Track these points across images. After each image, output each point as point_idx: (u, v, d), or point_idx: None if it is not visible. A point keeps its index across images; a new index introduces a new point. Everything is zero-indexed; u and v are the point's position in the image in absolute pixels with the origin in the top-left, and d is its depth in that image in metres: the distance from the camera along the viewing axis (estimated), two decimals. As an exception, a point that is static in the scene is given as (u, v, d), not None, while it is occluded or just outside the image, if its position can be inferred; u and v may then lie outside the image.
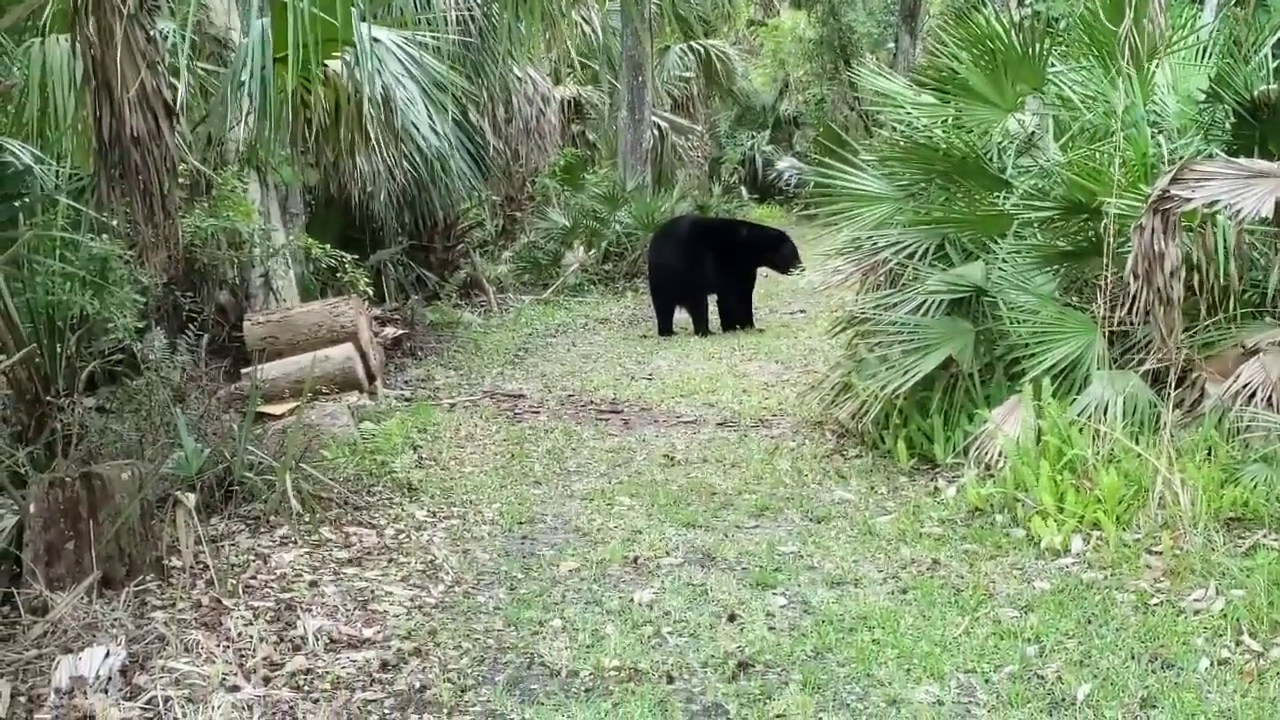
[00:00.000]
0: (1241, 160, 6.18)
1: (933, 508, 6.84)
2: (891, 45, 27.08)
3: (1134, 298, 6.24)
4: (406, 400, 9.88)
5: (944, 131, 8.55)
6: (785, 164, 30.96)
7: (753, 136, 32.00)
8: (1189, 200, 5.90)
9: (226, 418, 7.57)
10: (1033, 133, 8.47)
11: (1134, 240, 6.15)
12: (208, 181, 8.54)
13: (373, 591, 5.63)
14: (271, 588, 5.55)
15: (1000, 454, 7.10)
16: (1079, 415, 6.96)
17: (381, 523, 6.58)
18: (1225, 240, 6.70)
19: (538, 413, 9.68)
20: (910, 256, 8.28)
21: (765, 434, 8.77)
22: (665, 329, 13.63)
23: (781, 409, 9.55)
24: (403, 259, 14.59)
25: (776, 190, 30.41)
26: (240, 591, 5.44)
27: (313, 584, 5.65)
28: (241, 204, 8.64)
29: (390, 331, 12.22)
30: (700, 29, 24.64)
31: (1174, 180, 5.99)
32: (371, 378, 9.33)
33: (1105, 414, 6.92)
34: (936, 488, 7.23)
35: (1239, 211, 5.81)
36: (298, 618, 5.17)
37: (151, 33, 5.07)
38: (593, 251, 17.78)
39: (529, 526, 6.68)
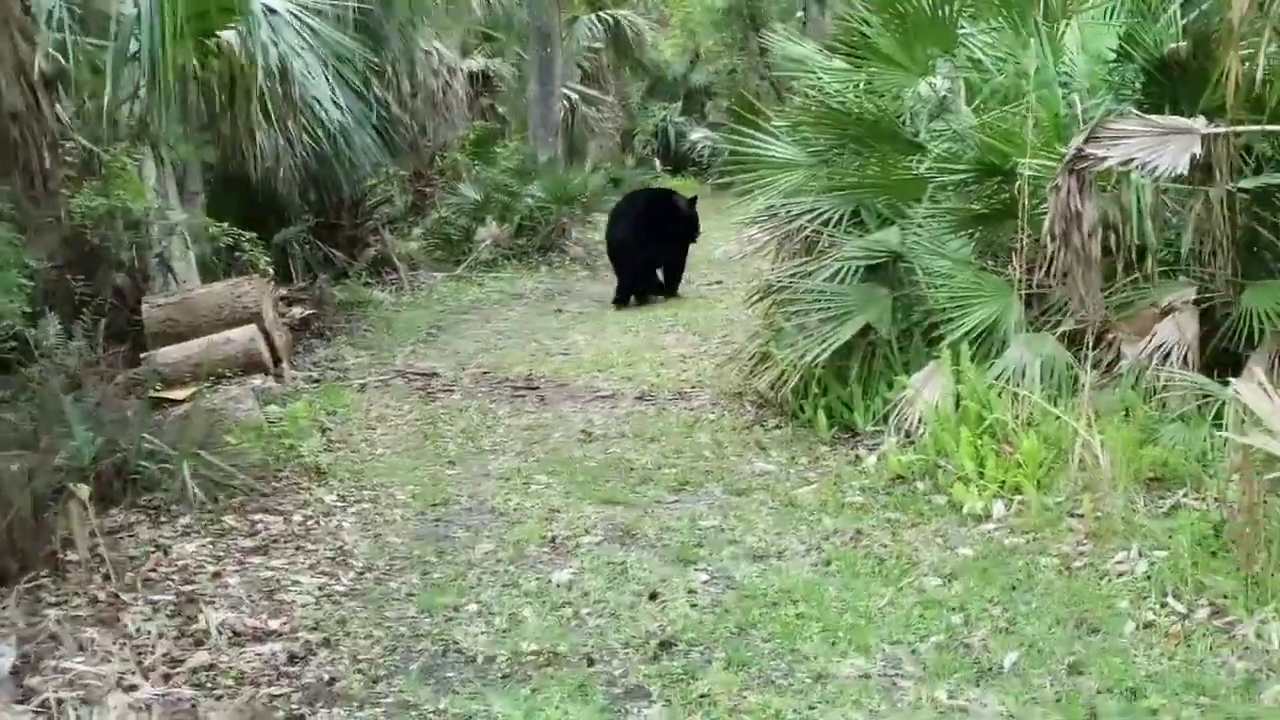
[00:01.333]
0: (1155, 118, 6.11)
1: (854, 477, 6.75)
2: (800, 14, 26.94)
3: (1051, 259, 6.17)
4: (315, 381, 9.63)
5: (856, 96, 8.43)
6: (698, 135, 30.74)
7: (665, 108, 31.77)
8: (1104, 159, 5.82)
9: (126, 404, 7.30)
10: (944, 96, 8.38)
11: (1050, 201, 6.07)
12: (99, 159, 8.21)
13: (279, 581, 5.41)
14: (172, 580, 5.31)
15: (920, 420, 7.03)
16: (997, 379, 6.90)
17: (288, 509, 6.35)
18: (1140, 199, 6.65)
19: (452, 391, 9.47)
20: (825, 223, 8.18)
21: (684, 406, 8.64)
22: (623, 300, 13.72)
23: (700, 381, 9.42)
24: (309, 237, 14.26)
25: (690, 161, 30.20)
26: (139, 585, 5.19)
27: (216, 575, 5.42)
28: (133, 182, 8.33)
29: (298, 312, 11.92)
30: (609, -1, 24.46)
31: (1089, 139, 5.91)
32: (278, 359, 9.07)
33: (1024, 377, 6.87)
34: (858, 456, 7.14)
35: (1154, 169, 5.73)
36: (200, 611, 4.95)
37: (29, 2, 4.82)
38: (505, 226, 17.50)
39: (443, 508, 6.49)
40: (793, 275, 8.19)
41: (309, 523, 6.19)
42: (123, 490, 6.15)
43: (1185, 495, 5.87)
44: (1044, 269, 6.36)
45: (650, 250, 13.67)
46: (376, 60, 13.21)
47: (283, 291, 12.11)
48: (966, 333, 7.19)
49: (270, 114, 7.75)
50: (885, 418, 7.32)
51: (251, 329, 8.61)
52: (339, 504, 6.52)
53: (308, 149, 10.41)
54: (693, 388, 9.24)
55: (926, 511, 6.13)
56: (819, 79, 8.74)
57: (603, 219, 18.71)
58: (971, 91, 8.19)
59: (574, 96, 21.80)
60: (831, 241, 8.10)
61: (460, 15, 16.02)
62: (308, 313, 12.04)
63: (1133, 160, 5.80)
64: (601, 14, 24.15)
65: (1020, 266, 6.84)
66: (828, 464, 7.10)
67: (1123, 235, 6.34)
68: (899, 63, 8.02)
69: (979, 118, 7.93)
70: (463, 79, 15.32)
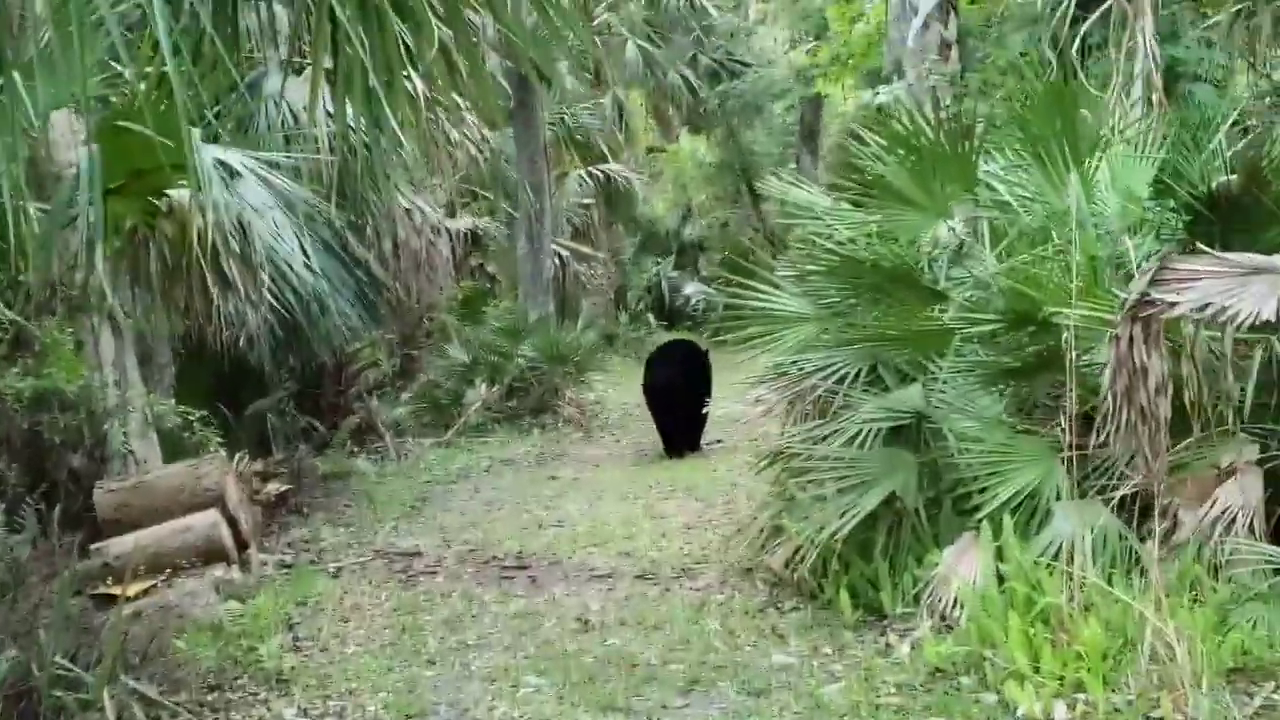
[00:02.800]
0: (1232, 255, 5.38)
1: (887, 670, 5.92)
2: (793, 165, 26.69)
3: (1111, 419, 5.42)
4: (287, 567, 8.82)
5: (869, 241, 7.77)
6: (692, 289, 30.32)
7: (657, 263, 31.38)
8: (1174, 304, 5.10)
9: (74, 603, 6.49)
10: (962, 241, 7.75)
11: (1110, 353, 5.34)
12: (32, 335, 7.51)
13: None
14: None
15: (956, 602, 6.24)
16: (1042, 555, 6.13)
17: (240, 731, 5.53)
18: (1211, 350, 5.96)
19: (435, 573, 8.66)
20: (840, 381, 7.46)
21: (690, 587, 7.83)
22: (673, 449, 13.69)
23: (705, 555, 8.62)
24: (286, 407, 13.56)
25: (685, 316, 29.72)
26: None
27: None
28: (66, 358, 7.61)
29: (274, 488, 11.14)
30: (599, 154, 24.04)
31: (1154, 281, 5.20)
32: (244, 545, 8.27)
33: (1072, 552, 6.10)
34: (888, 645, 6.33)
35: (1235, 315, 5.00)
36: None
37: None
38: (496, 388, 16.84)
39: (418, 723, 5.67)
40: (805, 439, 7.44)
41: (261, 749, 5.36)
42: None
43: (1276, 691, 5.07)
44: (1099, 432, 5.60)
45: (696, 397, 12.87)
46: (356, 218, 12.65)
47: (257, 466, 11.35)
48: (1005, 502, 6.44)
49: (228, 278, 7.07)
50: (916, 598, 6.55)
51: (213, 514, 7.82)
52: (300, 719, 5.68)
53: (280, 314, 9.73)
54: (698, 563, 8.44)
55: (975, 714, 5.31)
56: (826, 225, 8.09)
57: (598, 378, 18.15)
58: (995, 234, 7.54)
59: (565, 253, 21.26)
60: (847, 402, 7.38)
61: (443, 171, 15.46)
62: (284, 488, 11.24)
63: (1209, 306, 5.06)
64: (592, 170, 23.74)
65: (1070, 428, 6.06)
66: (855, 654, 6.28)
67: (1199, 392, 5.59)
68: (915, 202, 7.38)
69: (1004, 263, 7.27)
70: (448, 237, 14.73)
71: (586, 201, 23.85)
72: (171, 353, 11.74)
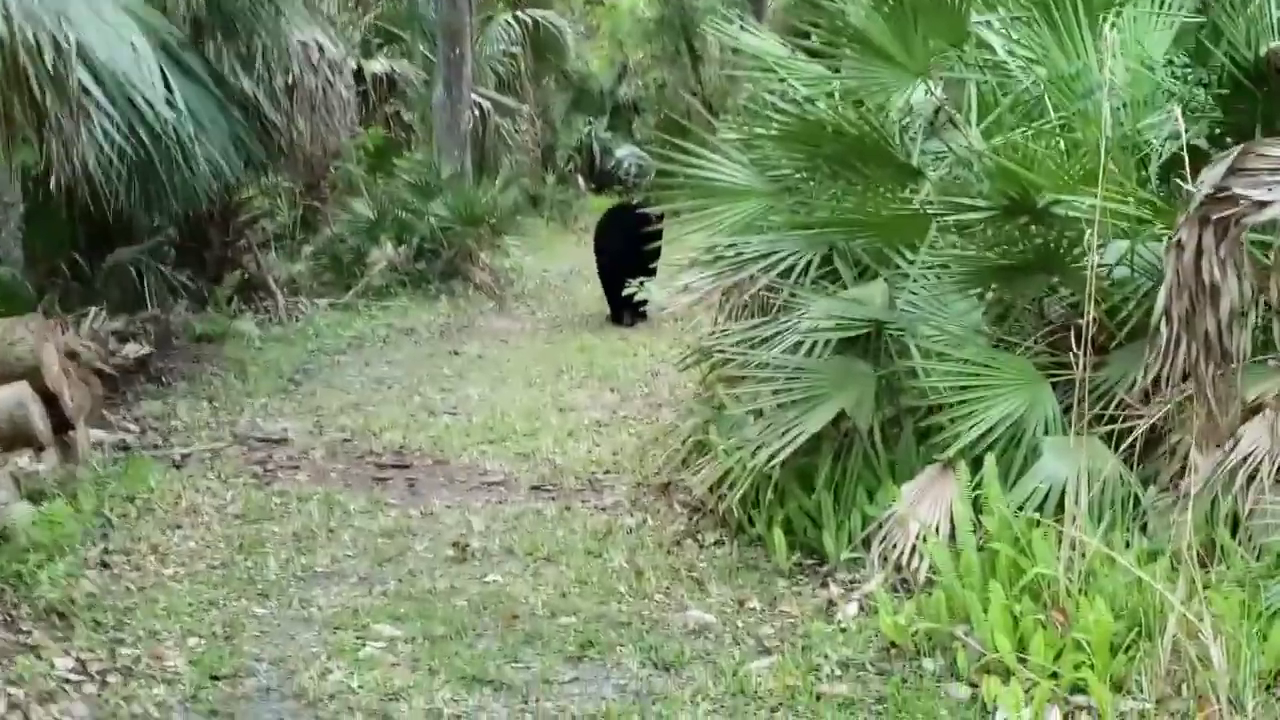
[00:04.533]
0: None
1: (829, 640, 4.73)
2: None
3: (1163, 353, 4.17)
4: (123, 450, 7.48)
5: (830, 102, 6.43)
6: (624, 152, 28.77)
7: (589, 122, 29.74)
8: (1263, 205, 3.84)
9: None
10: (940, 107, 6.45)
11: (1167, 265, 4.08)
12: None
13: None
14: None
15: (915, 552, 5.07)
16: (1023, 505, 4.96)
17: (-10, 689, 4.23)
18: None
19: (297, 467, 7.37)
20: (786, 274, 6.18)
21: (594, 504, 6.61)
22: (619, 317, 13.13)
23: (616, 464, 7.39)
24: (165, 259, 12.10)
25: (616, 180, 28.22)
26: None
27: None
28: None
29: (132, 350, 9.72)
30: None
31: (1233, 172, 3.92)
32: (65, 426, 6.89)
33: (1062, 499, 4.94)
34: (830, 602, 5.15)
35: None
36: None
37: None
38: (403, 248, 15.41)
39: (227, 688, 4.36)
40: (741, 341, 6.17)
41: (9, 718, 4.06)
42: None
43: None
44: (1156, 366, 4.32)
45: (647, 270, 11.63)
46: (244, 49, 11.10)
47: (116, 325, 9.94)
48: (982, 434, 5.23)
49: (40, 105, 5.64)
50: (865, 542, 5.38)
51: (20, 389, 6.42)
52: (73, 676, 4.36)
53: (136, 154, 8.25)
54: (606, 473, 7.23)
55: (942, 716, 4.13)
56: (779, 79, 6.73)
57: (514, 243, 16.77)
58: (983, 103, 6.23)
59: (486, 105, 19.59)
60: (793, 298, 6.11)
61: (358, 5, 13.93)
62: (144, 352, 9.84)
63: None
64: (519, 14, 22.02)
65: (1085, 348, 4.77)
66: (789, 612, 5.09)
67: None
68: (890, 57, 5.96)
69: (994, 136, 5.98)
70: (350, 78, 13.16)
71: (514, 50, 22.16)
72: (22, 191, 10.26)
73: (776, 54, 6.89)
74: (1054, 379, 5.41)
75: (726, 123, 7.49)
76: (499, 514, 6.46)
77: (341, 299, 14.07)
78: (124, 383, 9.33)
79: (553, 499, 6.74)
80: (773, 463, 5.59)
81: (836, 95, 6.44)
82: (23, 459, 6.30)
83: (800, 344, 5.89)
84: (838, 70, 6.53)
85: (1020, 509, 4.93)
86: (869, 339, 5.89)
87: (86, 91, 6.59)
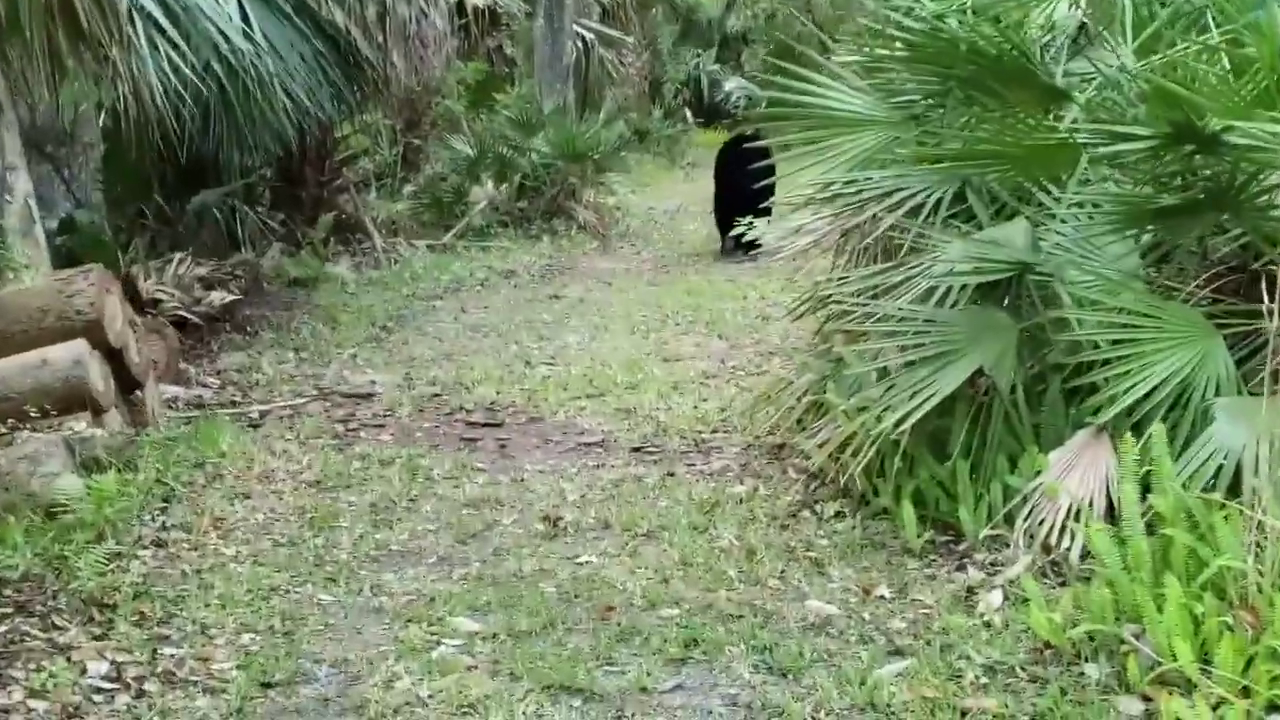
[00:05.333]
0: None
1: (971, 637, 4.09)
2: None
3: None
4: (197, 410, 7.03)
5: (962, 19, 5.69)
6: (733, 84, 27.96)
7: (697, 54, 28.94)
8: None
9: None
10: (1084, 24, 5.70)
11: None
12: None
13: None
14: None
15: (1066, 531, 4.41)
16: (1191, 479, 4.26)
17: (15, 699, 3.73)
18: None
19: (381, 426, 6.88)
20: (914, 213, 5.49)
21: (700, 469, 6.00)
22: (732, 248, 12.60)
23: (725, 421, 6.79)
24: (259, 201, 11.70)
25: (724, 113, 27.44)
26: None
27: None
28: None
29: (218, 297, 9.32)
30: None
31: None
32: (134, 385, 6.43)
33: (1237, 473, 4.24)
34: (969, 589, 4.49)
35: None
36: None
37: None
38: (504, 186, 14.90)
39: (280, 698, 3.83)
40: (862, 290, 5.50)
41: (31, 737, 3.57)
42: None
43: None
44: None
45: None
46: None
47: (201, 271, 9.52)
48: (1145, 395, 4.53)
49: (88, 37, 5.13)
50: (1008, 518, 4.71)
51: (77, 346, 5.94)
52: (105, 684, 3.86)
53: (209, 89, 7.75)
54: (714, 432, 6.62)
55: (1112, 737, 3.49)
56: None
57: (618, 180, 16.18)
58: (1137, 18, 5.46)
59: (590, 36, 18.93)
60: (922, 239, 5.42)
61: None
62: (230, 298, 9.43)
63: None
64: (625, -60, 21.34)
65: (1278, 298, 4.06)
66: (922, 600, 4.44)
67: None
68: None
69: (1150, 54, 5.22)
70: (444, 8, 12.56)
71: (618, -22, 21.48)
72: (101, 131, 9.87)
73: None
74: (1225, 330, 4.70)
75: (844, 44, 6.78)
76: (596, 480, 5.88)
77: (441, 240, 13.58)
78: (209, 332, 8.97)
79: (655, 463, 6.14)
80: (901, 427, 4.93)
81: (970, 10, 5.68)
82: (80, 424, 5.82)
83: (931, 292, 5.21)
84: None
85: (1186, 485, 4.24)
86: (1009, 286, 5.18)
87: (152, 20, 6.04)
